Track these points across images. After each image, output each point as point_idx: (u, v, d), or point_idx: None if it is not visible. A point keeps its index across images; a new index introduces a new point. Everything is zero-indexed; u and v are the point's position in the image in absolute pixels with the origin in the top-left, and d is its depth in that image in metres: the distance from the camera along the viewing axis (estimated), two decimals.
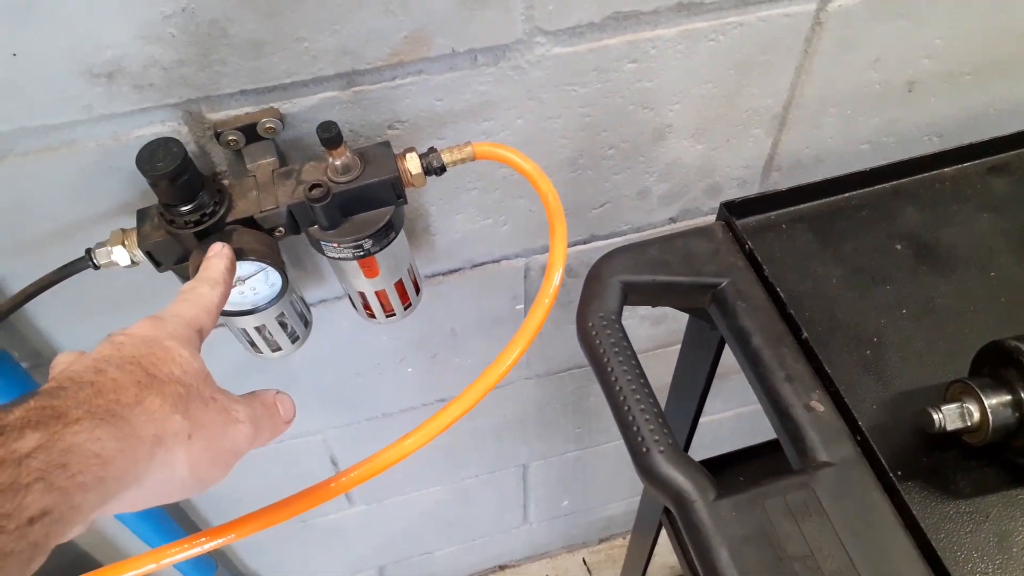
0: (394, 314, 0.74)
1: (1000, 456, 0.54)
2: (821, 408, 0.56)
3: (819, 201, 0.69)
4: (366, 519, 1.27)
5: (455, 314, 0.92)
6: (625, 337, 0.59)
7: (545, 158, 0.77)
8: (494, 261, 0.88)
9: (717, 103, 0.79)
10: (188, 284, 0.54)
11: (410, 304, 0.75)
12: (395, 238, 0.66)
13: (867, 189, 0.70)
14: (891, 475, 0.51)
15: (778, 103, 0.82)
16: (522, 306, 0.95)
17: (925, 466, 0.55)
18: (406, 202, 0.65)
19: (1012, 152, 0.72)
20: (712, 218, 0.71)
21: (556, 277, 0.62)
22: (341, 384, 0.95)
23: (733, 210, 0.66)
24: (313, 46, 0.61)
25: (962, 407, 0.51)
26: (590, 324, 0.60)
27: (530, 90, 0.71)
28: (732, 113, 0.80)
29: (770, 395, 0.57)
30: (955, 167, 0.72)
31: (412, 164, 0.64)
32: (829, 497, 0.52)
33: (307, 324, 0.73)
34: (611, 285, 0.62)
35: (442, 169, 0.66)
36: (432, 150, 0.65)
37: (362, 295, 0.71)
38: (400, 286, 0.73)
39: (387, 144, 0.65)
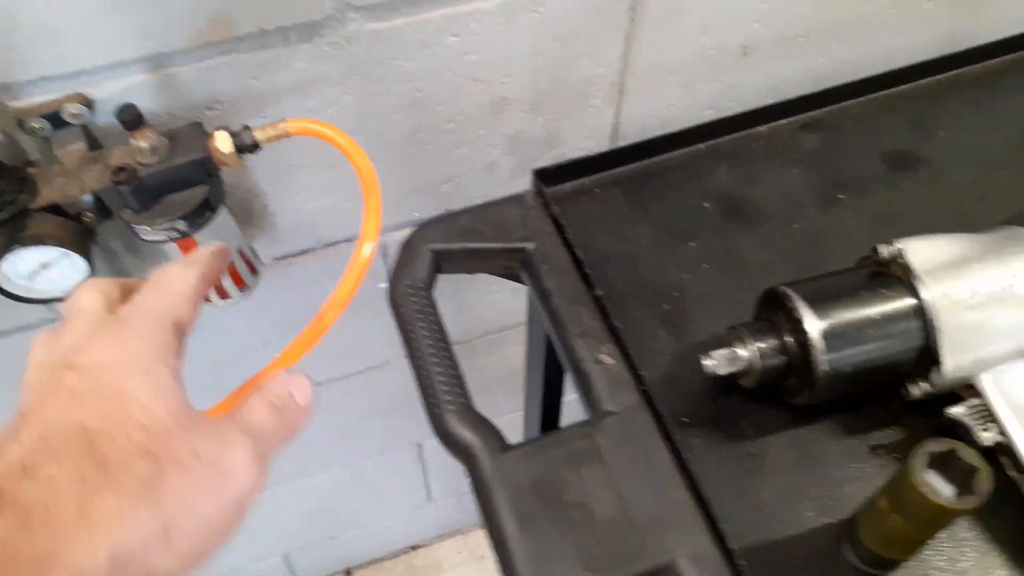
0: (229, 296, 0.75)
1: (776, 397, 0.56)
2: (611, 361, 0.58)
3: (634, 164, 0.71)
4: (261, 507, 1.27)
5: (313, 295, 0.92)
6: (431, 304, 0.61)
7: (381, 134, 0.78)
8: (347, 240, 0.88)
9: (549, 74, 0.80)
10: (159, 269, 0.44)
11: (246, 286, 0.75)
12: (213, 218, 0.67)
13: (682, 150, 0.72)
14: (667, 421, 0.53)
15: (612, 72, 0.83)
16: (385, 284, 0.96)
17: (711, 412, 0.57)
18: (221, 181, 0.66)
19: (824, 109, 0.75)
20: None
21: (366, 249, 0.63)
22: (203, 373, 0.94)
23: (544, 177, 0.67)
24: (111, 30, 0.61)
25: (732, 352, 0.54)
26: (398, 292, 0.61)
27: (352, 66, 0.71)
28: (567, 84, 0.82)
29: (567, 351, 0.59)
30: (769, 125, 0.74)
31: (222, 143, 0.64)
32: (610, 445, 0.53)
33: None
34: (421, 254, 0.63)
35: (255, 146, 0.66)
36: (245, 128, 0.65)
37: None
38: (231, 268, 0.74)
39: (198, 124, 0.66)
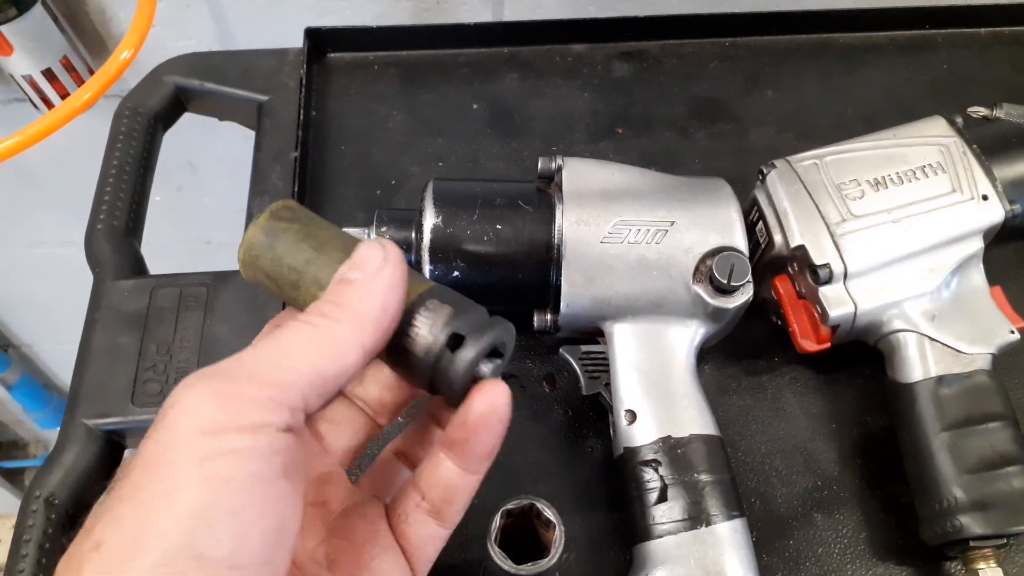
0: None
1: None
2: None
3: (422, 51, 0.67)
4: None
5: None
6: (144, 131, 0.60)
7: None
8: None
9: None
10: (315, 305, 0.29)
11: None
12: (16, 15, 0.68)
13: (480, 49, 0.68)
14: None
15: None
16: None
17: None
18: None
19: (653, 41, 0.69)
20: None
21: (125, 54, 0.63)
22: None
23: (316, 38, 0.65)
24: None
25: (360, 232, 0.51)
26: (119, 111, 0.61)
27: None
28: None
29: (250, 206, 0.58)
30: (587, 44, 0.68)
31: None
32: (222, 300, 0.52)
33: None
34: (161, 84, 0.63)
35: None
36: None
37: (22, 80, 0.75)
38: (50, 74, 0.75)
39: None
